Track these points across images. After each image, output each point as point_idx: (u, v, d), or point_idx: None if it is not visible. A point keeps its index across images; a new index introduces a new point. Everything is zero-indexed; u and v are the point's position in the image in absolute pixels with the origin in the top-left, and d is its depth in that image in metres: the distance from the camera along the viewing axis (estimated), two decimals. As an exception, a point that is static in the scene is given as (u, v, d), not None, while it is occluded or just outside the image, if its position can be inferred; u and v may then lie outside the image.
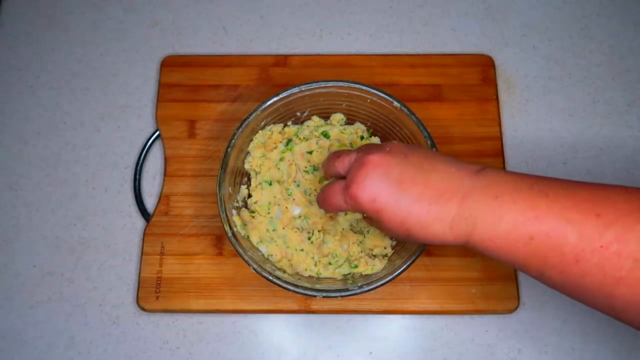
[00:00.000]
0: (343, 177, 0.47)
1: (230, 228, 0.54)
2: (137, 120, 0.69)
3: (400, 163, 0.43)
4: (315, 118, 0.62)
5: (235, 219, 0.57)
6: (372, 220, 0.47)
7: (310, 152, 0.60)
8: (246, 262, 0.53)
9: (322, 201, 0.49)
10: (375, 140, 0.62)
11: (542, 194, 0.40)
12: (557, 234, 0.38)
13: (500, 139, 0.66)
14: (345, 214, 0.59)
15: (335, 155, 0.49)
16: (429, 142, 0.55)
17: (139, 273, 0.62)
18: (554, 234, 0.39)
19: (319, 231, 0.58)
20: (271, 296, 0.60)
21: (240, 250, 0.54)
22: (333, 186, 0.47)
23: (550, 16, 0.73)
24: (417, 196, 0.42)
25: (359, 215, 0.59)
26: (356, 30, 0.73)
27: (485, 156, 0.65)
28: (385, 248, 0.58)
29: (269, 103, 0.58)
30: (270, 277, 0.53)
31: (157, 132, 0.68)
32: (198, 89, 0.69)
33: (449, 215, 0.41)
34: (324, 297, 0.53)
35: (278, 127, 0.61)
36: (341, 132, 0.62)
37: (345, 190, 0.45)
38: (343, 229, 0.59)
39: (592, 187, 0.40)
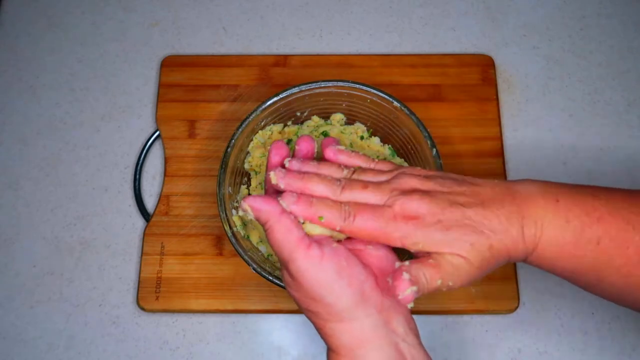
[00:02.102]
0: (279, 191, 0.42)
1: (230, 228, 0.54)
2: (137, 120, 0.69)
3: (439, 191, 0.40)
4: (315, 118, 0.62)
5: (235, 219, 0.57)
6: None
7: (310, 152, 0.60)
8: (246, 262, 0.53)
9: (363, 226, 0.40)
10: (375, 140, 0.61)
11: (596, 197, 0.40)
12: (622, 235, 0.38)
13: (500, 139, 0.66)
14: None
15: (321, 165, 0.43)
16: (429, 142, 0.55)
17: (139, 273, 0.62)
18: (618, 235, 0.38)
19: (319, 231, 0.58)
20: (271, 296, 0.60)
21: (240, 250, 0.54)
22: (383, 214, 0.39)
23: (550, 16, 0.73)
24: (480, 205, 0.39)
25: None
26: (356, 30, 0.73)
27: (485, 156, 0.65)
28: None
29: (269, 103, 0.58)
30: (270, 277, 0.53)
31: (157, 132, 0.68)
32: (198, 89, 0.69)
33: (518, 218, 0.39)
34: (324, 297, 0.53)
35: (278, 127, 0.61)
36: (341, 132, 0.62)
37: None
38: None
39: (627, 191, 0.41)
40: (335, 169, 0.43)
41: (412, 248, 0.39)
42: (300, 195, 0.41)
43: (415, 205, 0.39)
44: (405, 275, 0.36)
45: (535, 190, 0.40)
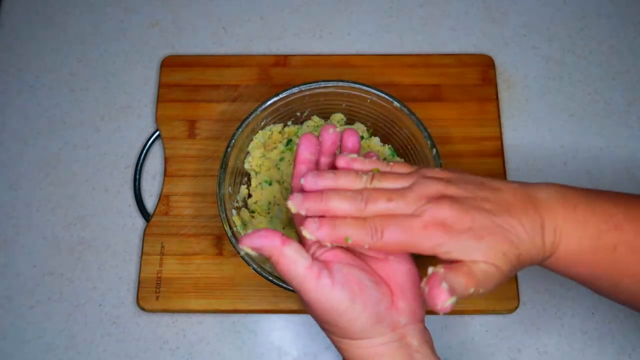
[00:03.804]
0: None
1: (230, 228, 0.54)
2: (137, 120, 0.69)
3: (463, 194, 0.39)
4: (315, 118, 0.62)
5: (235, 219, 0.57)
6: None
7: (310, 152, 0.60)
8: (246, 262, 0.53)
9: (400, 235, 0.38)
10: (375, 140, 0.61)
11: (614, 204, 0.40)
12: (639, 242, 0.38)
13: (500, 139, 0.66)
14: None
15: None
16: (429, 142, 0.55)
17: (139, 273, 0.62)
18: (635, 242, 0.38)
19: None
20: (271, 296, 0.60)
21: (240, 250, 0.54)
22: (412, 225, 0.38)
23: (550, 16, 0.73)
24: (506, 211, 0.38)
25: None
26: (356, 30, 0.73)
27: (485, 156, 0.65)
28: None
29: (269, 103, 0.58)
30: (270, 277, 0.53)
31: (157, 132, 0.68)
32: (198, 89, 0.69)
33: (540, 227, 0.39)
34: (324, 297, 0.53)
35: (278, 127, 0.61)
36: (341, 132, 0.61)
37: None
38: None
39: (631, 196, 0.41)
40: (354, 177, 0.41)
41: (444, 256, 0.38)
42: (322, 219, 0.39)
43: (446, 213, 0.37)
44: (444, 285, 0.35)
45: (554, 197, 0.40)
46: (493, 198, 0.39)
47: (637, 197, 0.41)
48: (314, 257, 0.40)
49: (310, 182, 0.41)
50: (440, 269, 0.36)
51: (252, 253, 0.38)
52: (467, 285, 0.36)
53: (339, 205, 0.39)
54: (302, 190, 0.41)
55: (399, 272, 0.41)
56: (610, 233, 0.39)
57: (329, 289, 0.38)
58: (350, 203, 0.39)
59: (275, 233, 0.38)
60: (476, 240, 0.37)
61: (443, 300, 0.35)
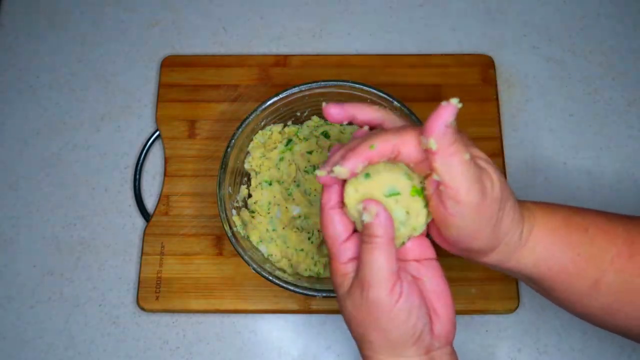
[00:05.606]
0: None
1: (230, 228, 0.54)
2: (137, 120, 0.69)
3: None
4: (315, 118, 0.62)
5: (235, 219, 0.57)
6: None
7: (310, 152, 0.60)
8: (246, 262, 0.53)
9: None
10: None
11: (582, 208, 0.43)
12: (608, 227, 0.40)
13: (500, 139, 0.66)
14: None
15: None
16: (429, 142, 0.55)
17: (139, 273, 0.62)
18: (604, 226, 0.40)
19: (318, 231, 0.58)
20: (271, 296, 0.60)
21: (240, 250, 0.54)
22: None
23: (550, 16, 0.73)
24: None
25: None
26: (356, 30, 0.73)
27: (485, 156, 0.65)
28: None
29: (269, 103, 0.58)
30: (270, 277, 0.53)
31: (157, 132, 0.68)
32: (198, 89, 0.69)
33: (517, 204, 0.40)
34: (324, 297, 0.53)
35: (278, 127, 0.61)
36: (341, 132, 0.62)
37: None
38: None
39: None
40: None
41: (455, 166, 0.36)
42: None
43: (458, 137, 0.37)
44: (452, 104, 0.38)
45: (528, 201, 0.42)
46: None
47: (608, 213, 0.43)
48: None
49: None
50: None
51: (366, 217, 0.37)
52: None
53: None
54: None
55: (434, 294, 0.40)
56: (579, 215, 0.41)
57: (397, 298, 0.38)
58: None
59: (392, 223, 0.37)
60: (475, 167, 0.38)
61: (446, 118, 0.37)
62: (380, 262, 0.37)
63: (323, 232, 0.40)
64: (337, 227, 0.39)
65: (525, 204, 0.42)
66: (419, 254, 0.41)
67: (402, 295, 0.38)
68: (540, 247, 0.41)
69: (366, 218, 0.37)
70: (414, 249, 0.41)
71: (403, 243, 0.40)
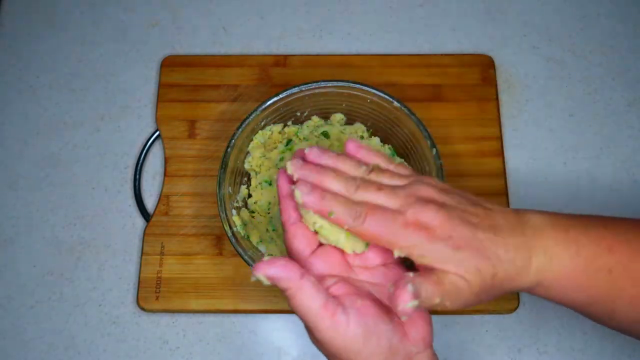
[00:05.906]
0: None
1: (230, 228, 0.54)
2: (137, 120, 0.69)
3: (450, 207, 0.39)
4: (315, 118, 0.62)
5: (235, 219, 0.57)
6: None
7: (310, 152, 0.60)
8: (246, 262, 0.53)
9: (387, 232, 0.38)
10: (375, 140, 0.61)
11: (606, 227, 0.39)
12: (633, 265, 0.38)
13: (500, 139, 0.66)
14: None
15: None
16: (429, 142, 0.55)
17: (139, 273, 0.62)
18: (630, 265, 0.38)
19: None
20: (271, 296, 0.60)
21: (240, 250, 0.54)
22: (395, 219, 0.38)
23: (550, 16, 0.73)
24: (491, 229, 0.38)
25: None
26: (356, 30, 0.73)
27: (485, 156, 0.65)
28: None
29: (269, 103, 0.58)
30: (270, 277, 0.53)
31: (157, 132, 0.68)
32: (198, 89, 0.69)
33: (526, 249, 0.38)
34: (324, 297, 0.52)
35: (278, 127, 0.61)
36: (341, 132, 0.62)
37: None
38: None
39: (636, 221, 0.41)
40: (354, 164, 0.41)
41: (418, 260, 0.37)
42: (315, 186, 0.40)
43: (429, 215, 0.37)
44: (410, 288, 0.35)
45: (545, 222, 0.39)
46: (482, 215, 0.38)
47: (624, 220, 0.41)
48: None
49: (314, 152, 0.42)
50: (410, 273, 0.36)
51: (265, 281, 0.37)
52: (433, 294, 0.36)
53: (332, 182, 0.40)
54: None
55: None
56: (604, 256, 0.38)
57: (343, 327, 0.37)
58: (343, 184, 0.40)
59: (293, 264, 0.37)
60: (452, 249, 0.36)
61: (405, 301, 0.35)
62: (304, 306, 0.37)
63: (287, 248, 0.42)
64: (302, 242, 0.41)
65: (543, 233, 0.39)
66: (384, 258, 0.42)
67: (349, 323, 0.37)
68: (553, 292, 0.39)
69: (264, 283, 0.37)
70: (379, 254, 0.42)
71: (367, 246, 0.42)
